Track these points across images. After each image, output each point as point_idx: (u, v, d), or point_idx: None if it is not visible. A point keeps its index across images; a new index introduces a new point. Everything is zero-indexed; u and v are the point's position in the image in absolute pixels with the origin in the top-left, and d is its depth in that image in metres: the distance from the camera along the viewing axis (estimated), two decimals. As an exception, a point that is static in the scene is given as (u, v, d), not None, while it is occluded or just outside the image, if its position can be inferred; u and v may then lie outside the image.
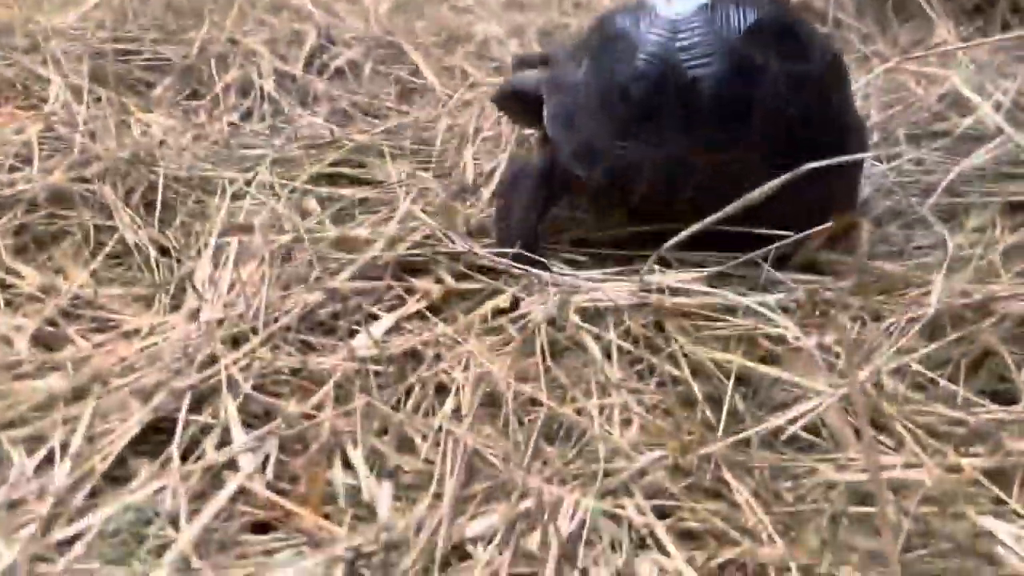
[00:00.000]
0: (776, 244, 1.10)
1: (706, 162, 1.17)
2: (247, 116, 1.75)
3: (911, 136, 1.44)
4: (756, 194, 1.01)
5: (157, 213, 1.32)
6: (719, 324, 1.09)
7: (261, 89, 1.80)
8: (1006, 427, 0.90)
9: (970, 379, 1.00)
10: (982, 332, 1.00)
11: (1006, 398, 0.98)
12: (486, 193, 1.36)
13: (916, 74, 1.63)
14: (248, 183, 1.38)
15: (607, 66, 1.23)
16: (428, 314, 1.13)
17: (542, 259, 1.21)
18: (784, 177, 0.99)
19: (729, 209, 1.02)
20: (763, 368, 0.98)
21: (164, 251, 1.26)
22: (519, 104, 1.40)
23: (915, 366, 0.97)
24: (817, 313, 1.09)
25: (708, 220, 1.04)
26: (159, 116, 1.69)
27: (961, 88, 1.34)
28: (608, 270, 1.20)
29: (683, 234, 1.07)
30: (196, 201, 1.37)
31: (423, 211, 1.29)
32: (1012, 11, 2.24)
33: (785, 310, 1.08)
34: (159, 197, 1.34)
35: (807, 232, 1.12)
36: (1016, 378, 0.97)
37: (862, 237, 1.20)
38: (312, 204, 1.34)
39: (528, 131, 1.54)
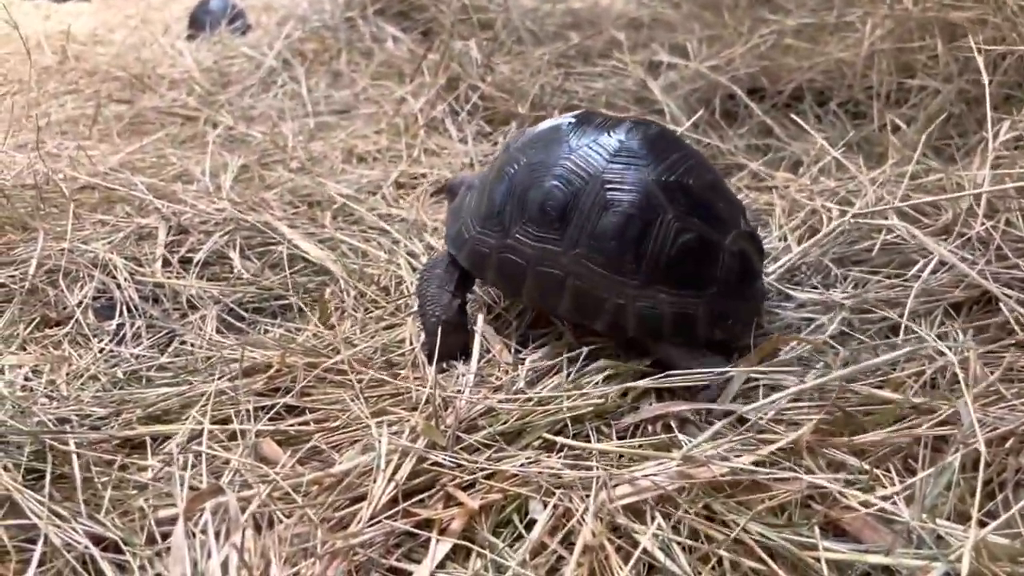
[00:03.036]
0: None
1: (533, 256, 1.32)
2: (118, 338, 1.52)
3: (837, 261, 1.49)
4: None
5: (80, 495, 1.08)
6: (760, 493, 1.04)
7: (128, 303, 1.58)
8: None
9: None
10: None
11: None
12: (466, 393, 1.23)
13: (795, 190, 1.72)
14: (192, 439, 1.16)
15: (489, 174, 1.46)
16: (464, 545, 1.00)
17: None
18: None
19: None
20: (863, 558, 0.93)
21: (103, 545, 1.03)
22: (450, 195, 1.68)
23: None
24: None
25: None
26: (11, 356, 1.43)
27: (897, 228, 1.39)
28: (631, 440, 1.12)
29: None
30: (120, 467, 1.14)
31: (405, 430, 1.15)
32: (818, 104, 2.46)
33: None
34: (76, 472, 1.10)
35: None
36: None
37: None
38: (272, 447, 1.15)
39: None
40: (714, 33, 2.79)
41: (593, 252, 1.27)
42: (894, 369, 1.24)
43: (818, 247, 1.52)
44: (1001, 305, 1.27)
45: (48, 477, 1.10)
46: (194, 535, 1.00)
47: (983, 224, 1.34)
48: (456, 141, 2.35)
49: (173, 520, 1.02)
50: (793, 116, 2.12)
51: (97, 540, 1.03)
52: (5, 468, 1.12)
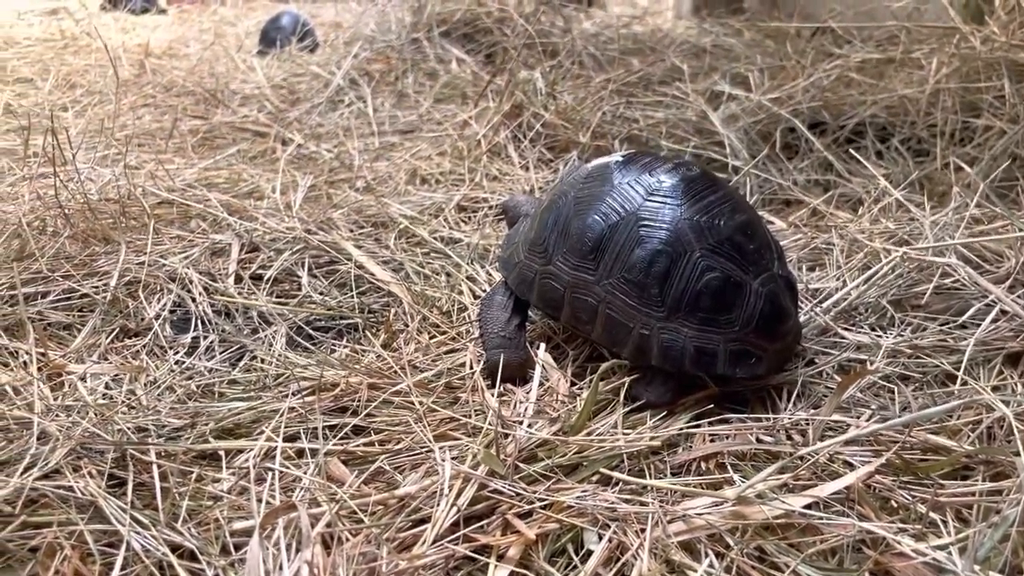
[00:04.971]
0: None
1: (570, 282, 1.41)
2: (192, 351, 1.59)
3: (895, 303, 1.50)
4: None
5: (160, 504, 1.14)
6: (812, 535, 1.06)
7: (203, 317, 1.65)
8: None
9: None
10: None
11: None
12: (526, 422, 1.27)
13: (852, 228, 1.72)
14: (265, 454, 1.22)
15: (542, 203, 1.56)
16: (521, 573, 1.04)
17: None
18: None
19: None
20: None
21: (179, 552, 1.08)
22: (508, 217, 1.81)
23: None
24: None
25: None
26: (94, 365, 1.50)
27: (959, 272, 1.41)
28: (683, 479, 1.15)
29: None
30: (197, 478, 1.20)
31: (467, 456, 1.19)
32: (880, 140, 2.46)
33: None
34: (156, 481, 1.17)
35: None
36: None
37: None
38: (339, 467, 1.21)
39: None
40: (776, 64, 2.80)
41: (623, 283, 1.35)
42: (950, 417, 1.25)
43: (876, 288, 1.53)
44: (1061, 358, 1.27)
45: (130, 485, 1.16)
46: (267, 548, 1.06)
47: (1046, 275, 1.34)
48: (518, 167, 2.40)
49: (247, 532, 1.07)
50: (853, 151, 2.12)
51: (174, 548, 1.09)
52: (90, 474, 1.19)
